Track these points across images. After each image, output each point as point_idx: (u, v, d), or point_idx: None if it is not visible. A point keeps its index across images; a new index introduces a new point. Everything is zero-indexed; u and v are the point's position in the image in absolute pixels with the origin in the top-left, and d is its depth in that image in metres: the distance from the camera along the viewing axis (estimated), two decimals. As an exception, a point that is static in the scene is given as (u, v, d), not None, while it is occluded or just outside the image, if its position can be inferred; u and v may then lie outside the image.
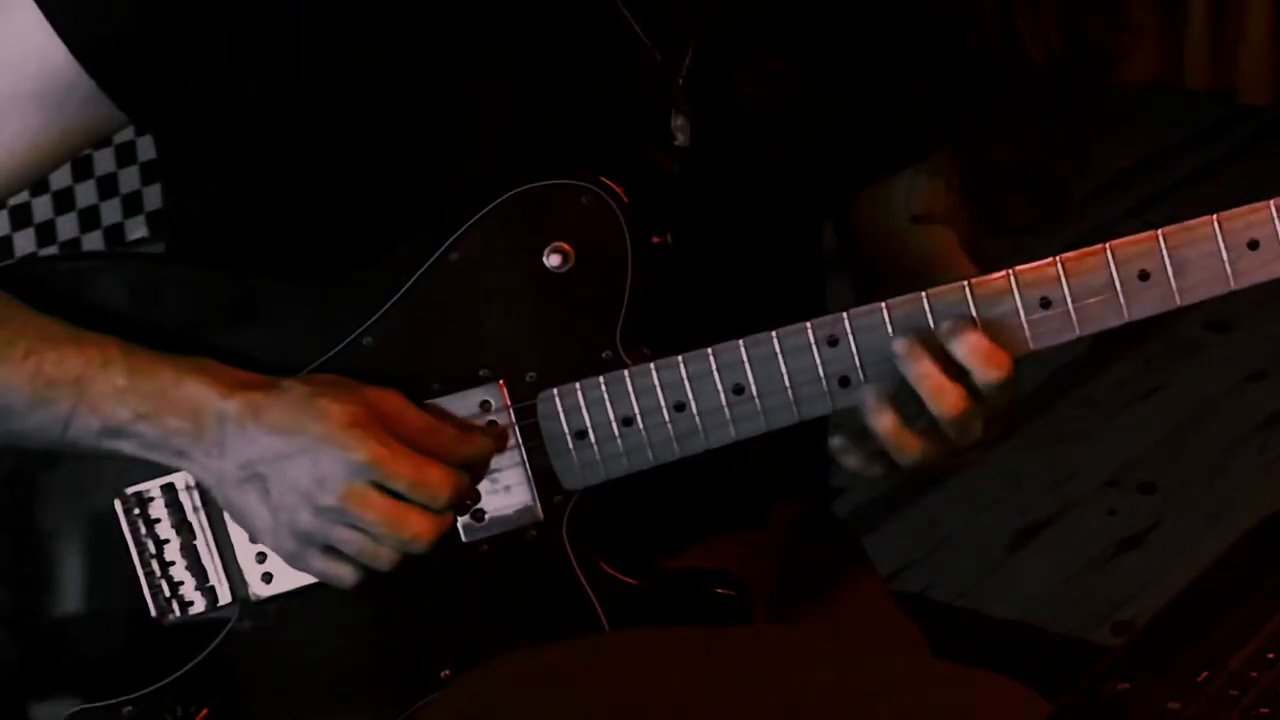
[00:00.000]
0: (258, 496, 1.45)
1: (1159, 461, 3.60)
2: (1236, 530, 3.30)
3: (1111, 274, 1.43)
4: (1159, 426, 3.71)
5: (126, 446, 1.47)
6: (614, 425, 1.48)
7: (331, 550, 1.46)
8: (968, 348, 1.41)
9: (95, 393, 1.45)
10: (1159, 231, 1.43)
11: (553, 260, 1.47)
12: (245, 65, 1.45)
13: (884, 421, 1.43)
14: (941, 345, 1.42)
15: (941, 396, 1.41)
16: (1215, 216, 1.42)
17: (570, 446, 1.49)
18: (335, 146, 1.48)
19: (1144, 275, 1.43)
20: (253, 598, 1.53)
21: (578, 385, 1.48)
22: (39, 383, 1.45)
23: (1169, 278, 1.43)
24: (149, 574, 1.53)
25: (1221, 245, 1.42)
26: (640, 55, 1.50)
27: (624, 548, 1.53)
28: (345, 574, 1.47)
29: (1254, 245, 1.42)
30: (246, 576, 1.52)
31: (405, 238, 1.49)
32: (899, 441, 1.43)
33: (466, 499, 1.49)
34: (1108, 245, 1.44)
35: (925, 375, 1.41)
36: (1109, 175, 4.67)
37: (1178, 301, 1.43)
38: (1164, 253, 1.42)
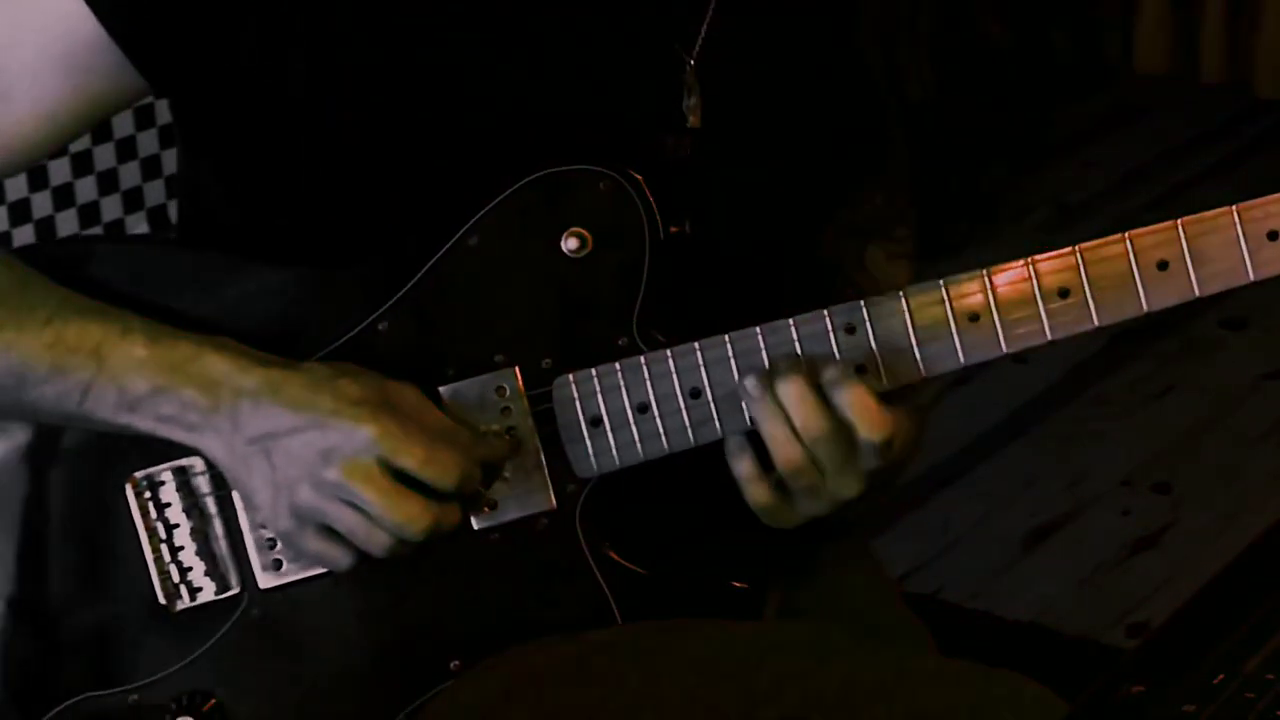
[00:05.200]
0: (262, 471, 1.44)
1: (1174, 461, 3.59)
2: (1252, 530, 3.31)
3: (1131, 264, 1.43)
4: (1174, 426, 3.70)
5: (141, 421, 1.46)
6: (629, 412, 1.48)
7: (328, 531, 1.45)
8: (854, 401, 1.42)
9: (115, 363, 1.44)
10: (1179, 221, 1.43)
11: (570, 244, 1.47)
12: (271, 38, 1.44)
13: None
14: (819, 388, 1.43)
15: (784, 448, 1.44)
16: (1234, 207, 1.43)
17: (584, 433, 1.48)
18: (354, 127, 1.48)
19: (1163, 265, 1.43)
20: (262, 585, 1.52)
21: (594, 371, 1.48)
22: (59, 350, 1.45)
23: (1188, 268, 1.43)
24: (158, 559, 1.52)
25: (1241, 236, 1.42)
26: (653, 37, 1.50)
27: (637, 538, 1.53)
28: (340, 558, 1.46)
29: (1273, 236, 1.43)
30: (256, 563, 1.52)
31: (422, 222, 1.48)
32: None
33: (480, 499, 1.48)
34: (1127, 235, 1.44)
35: (769, 419, 1.44)
36: (1124, 171, 4.66)
37: (1196, 292, 1.44)
38: (1183, 242, 1.43)
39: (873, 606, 1.68)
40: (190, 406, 1.44)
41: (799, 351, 1.46)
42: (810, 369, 1.43)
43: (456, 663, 1.51)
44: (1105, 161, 4.76)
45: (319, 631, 1.52)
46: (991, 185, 1.54)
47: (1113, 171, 4.69)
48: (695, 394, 1.47)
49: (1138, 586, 3.21)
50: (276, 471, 1.44)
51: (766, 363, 1.46)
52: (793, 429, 1.43)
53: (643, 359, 1.48)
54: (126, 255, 1.54)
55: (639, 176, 1.47)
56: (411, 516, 1.43)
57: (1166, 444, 3.64)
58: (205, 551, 1.52)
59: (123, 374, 1.44)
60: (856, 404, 1.42)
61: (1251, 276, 1.43)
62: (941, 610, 3.13)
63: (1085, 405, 3.77)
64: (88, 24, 1.44)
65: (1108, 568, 3.29)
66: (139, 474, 1.51)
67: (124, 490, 1.51)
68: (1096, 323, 1.45)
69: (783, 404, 1.43)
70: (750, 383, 1.44)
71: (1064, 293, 1.44)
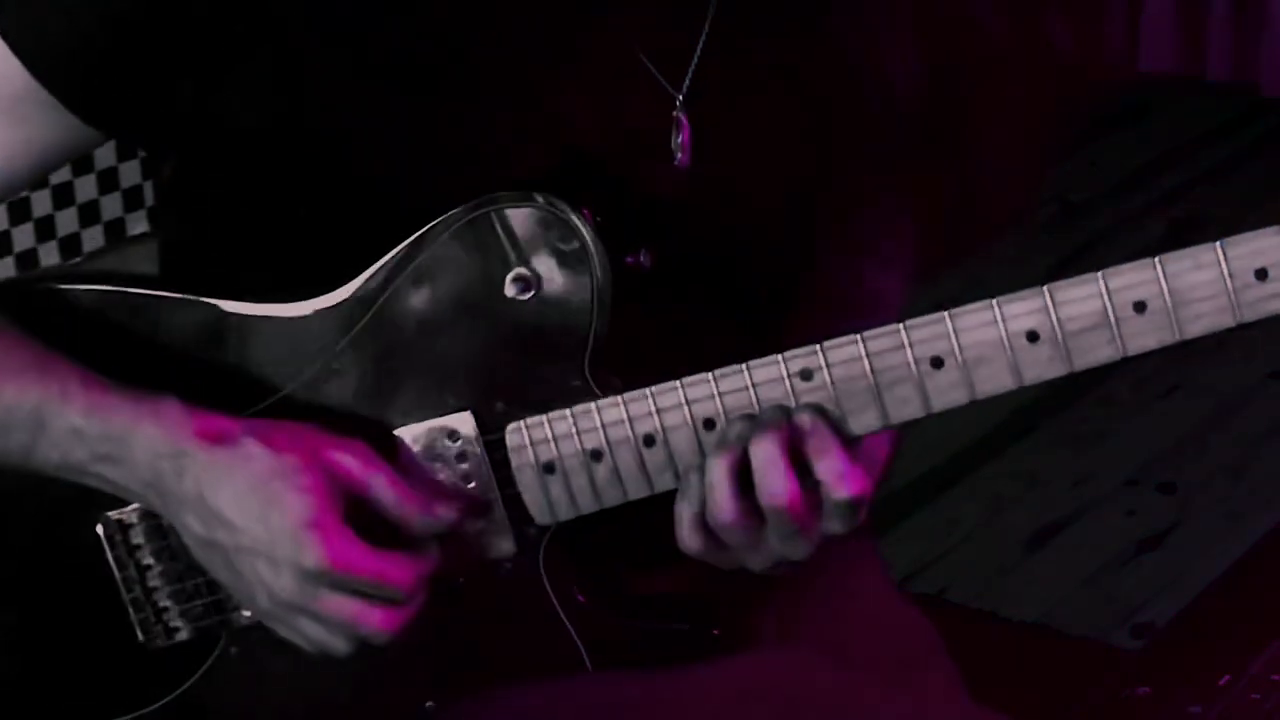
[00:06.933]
0: (221, 564, 1.44)
1: (1179, 461, 3.58)
2: (1257, 531, 3.29)
3: (1105, 304, 1.34)
4: (1179, 425, 3.69)
5: (90, 481, 1.46)
6: (583, 459, 1.43)
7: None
8: (828, 468, 1.37)
9: (53, 430, 1.44)
10: (1156, 259, 1.33)
11: (511, 290, 1.42)
12: (209, 82, 1.42)
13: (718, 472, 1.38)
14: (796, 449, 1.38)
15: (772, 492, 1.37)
16: (1218, 243, 1.32)
17: (539, 480, 1.45)
18: (300, 165, 1.45)
19: (1140, 306, 1.34)
20: (236, 624, 1.51)
21: (545, 417, 1.44)
22: None
23: (1168, 308, 1.34)
24: (134, 600, 1.51)
25: (1226, 274, 1.32)
26: (641, 75, 1.48)
27: (606, 582, 1.51)
28: (305, 646, 1.46)
29: (1262, 275, 1.32)
30: (229, 603, 1.50)
31: (374, 260, 1.45)
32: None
33: (458, 573, 1.46)
34: (1100, 274, 1.34)
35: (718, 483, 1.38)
36: (1129, 169, 4.65)
37: (1178, 335, 1.34)
38: (1162, 282, 1.33)
39: (878, 610, 1.66)
40: (133, 477, 1.43)
41: (754, 399, 1.40)
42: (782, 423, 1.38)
43: (431, 704, 1.50)
44: (1109, 159, 4.75)
45: (297, 669, 1.50)
46: (993, 193, 1.48)
47: (1117, 170, 4.68)
48: (649, 441, 1.42)
49: (1143, 587, 3.20)
50: (235, 568, 1.43)
51: (720, 409, 1.41)
52: (740, 493, 1.38)
53: (594, 405, 1.43)
54: (87, 296, 1.51)
55: (586, 210, 1.42)
56: (373, 628, 1.42)
57: (1171, 444, 3.63)
58: (179, 593, 1.50)
59: (62, 441, 1.44)
60: (832, 469, 1.37)
61: (1243, 317, 1.32)
62: (946, 610, 3.13)
63: (1090, 405, 3.76)
64: (24, 79, 1.42)
65: (1113, 568, 3.27)
66: (110, 514, 1.50)
67: (96, 530, 1.50)
68: (1071, 367, 1.36)
69: (754, 471, 1.37)
70: (720, 465, 1.38)
71: (1033, 336, 1.35)
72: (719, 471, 1.38)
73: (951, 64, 1.50)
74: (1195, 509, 3.42)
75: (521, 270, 1.42)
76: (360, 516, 1.42)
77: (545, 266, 1.42)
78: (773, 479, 1.36)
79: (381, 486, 1.42)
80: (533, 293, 1.42)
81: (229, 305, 1.47)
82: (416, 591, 1.42)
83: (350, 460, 1.42)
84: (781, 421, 1.38)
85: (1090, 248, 4.32)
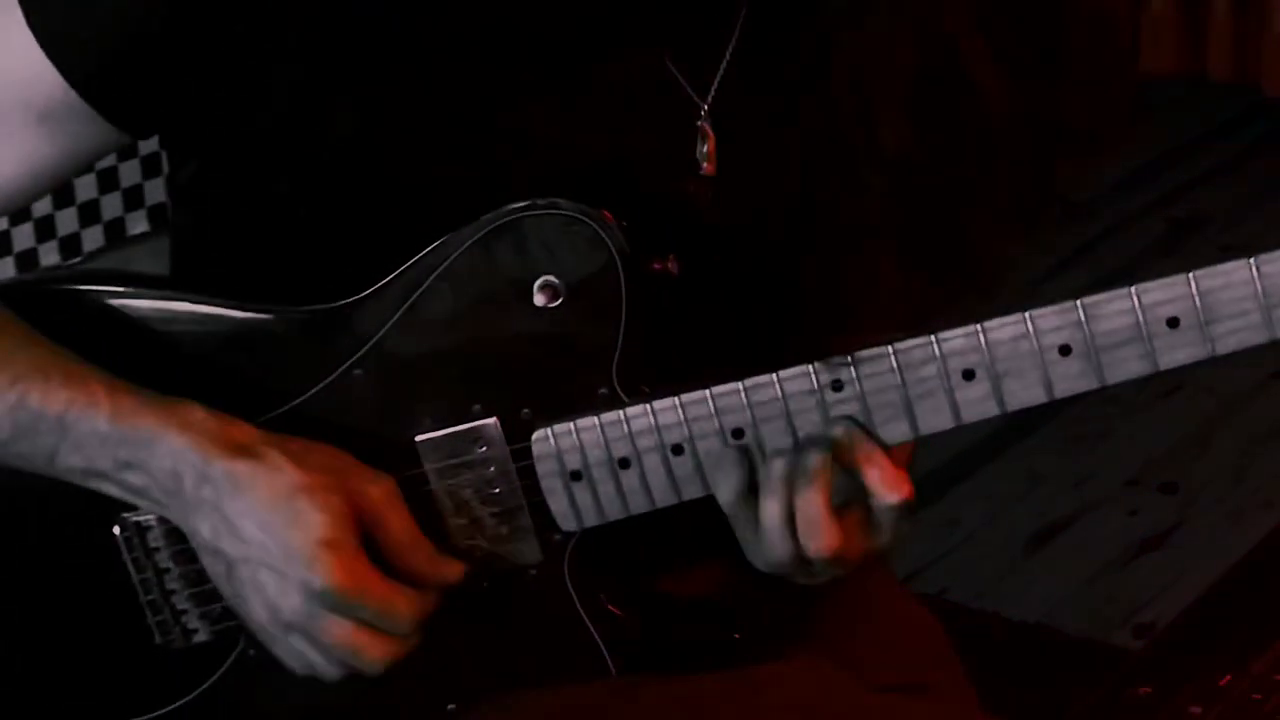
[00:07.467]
0: (223, 573, 1.44)
1: (1180, 461, 3.58)
2: (1259, 531, 3.29)
3: (1138, 319, 1.35)
4: (1181, 425, 3.69)
5: (110, 489, 1.45)
6: (610, 466, 1.43)
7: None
8: (876, 477, 1.37)
9: (78, 434, 1.43)
10: (1189, 274, 1.34)
11: (540, 299, 1.42)
12: (238, 86, 1.42)
13: (772, 508, 1.39)
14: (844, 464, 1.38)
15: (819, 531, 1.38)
16: (1252, 260, 1.33)
17: (565, 487, 1.44)
18: (326, 169, 1.45)
19: (1173, 321, 1.34)
20: None
21: (572, 424, 1.43)
22: (22, 414, 1.44)
23: (1201, 324, 1.34)
24: (152, 602, 1.51)
25: (1260, 291, 1.33)
26: (667, 84, 1.47)
27: (633, 587, 1.51)
28: (294, 666, 1.46)
29: None
30: None
31: (398, 265, 1.45)
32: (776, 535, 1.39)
33: (482, 579, 1.46)
34: (1133, 289, 1.35)
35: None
36: (1130, 169, 4.65)
37: (1213, 350, 1.35)
38: (1195, 298, 1.34)
39: (890, 610, 1.66)
40: (154, 485, 1.43)
41: (784, 410, 1.40)
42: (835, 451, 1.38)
43: (453, 706, 1.50)
44: (1109, 159, 4.74)
45: None
46: (983, 246, 1.45)
47: (1118, 170, 4.67)
48: (678, 450, 1.42)
49: (1144, 587, 3.20)
50: (237, 583, 1.43)
51: (751, 419, 1.40)
52: (795, 541, 1.39)
53: (622, 414, 1.42)
54: (108, 299, 1.50)
55: (611, 216, 1.41)
56: (370, 659, 1.42)
57: (1173, 444, 3.63)
58: (198, 595, 1.50)
59: (86, 446, 1.43)
60: (881, 478, 1.38)
61: (1270, 336, 1.34)
62: (946, 610, 3.13)
63: (1092, 405, 3.75)
64: (58, 85, 1.41)
65: (1114, 568, 3.27)
66: (128, 516, 1.49)
67: (113, 531, 1.50)
68: (1103, 381, 1.36)
69: (797, 522, 1.38)
70: (774, 509, 1.39)
71: (1065, 350, 1.36)
72: (772, 518, 1.39)
73: (944, 127, 1.49)
74: (1197, 509, 3.42)
75: (549, 278, 1.42)
76: (369, 550, 1.42)
77: (572, 274, 1.42)
78: (816, 535, 1.37)
79: (397, 528, 1.42)
80: (560, 300, 1.42)
81: (248, 308, 1.47)
82: (415, 629, 1.42)
83: (376, 492, 1.42)
84: (819, 466, 1.38)
85: (1090, 248, 4.31)
